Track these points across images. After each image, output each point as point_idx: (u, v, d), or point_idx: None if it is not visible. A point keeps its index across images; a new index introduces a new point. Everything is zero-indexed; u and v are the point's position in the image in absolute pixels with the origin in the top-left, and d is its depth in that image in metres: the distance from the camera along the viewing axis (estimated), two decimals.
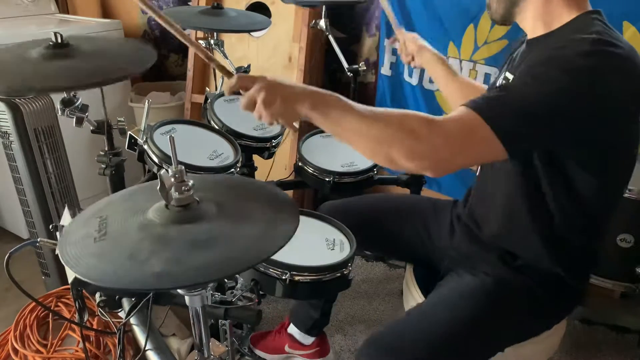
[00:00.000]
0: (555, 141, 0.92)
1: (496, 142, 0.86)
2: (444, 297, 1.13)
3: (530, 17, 1.03)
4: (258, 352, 1.65)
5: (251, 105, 0.93)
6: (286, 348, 1.61)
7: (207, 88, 1.70)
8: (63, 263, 0.66)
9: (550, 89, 0.86)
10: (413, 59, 1.44)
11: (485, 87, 1.36)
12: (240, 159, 1.35)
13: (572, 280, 1.09)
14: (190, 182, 0.72)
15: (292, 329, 1.59)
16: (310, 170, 1.47)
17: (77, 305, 1.05)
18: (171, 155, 0.74)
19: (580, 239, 1.05)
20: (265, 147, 1.50)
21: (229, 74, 0.99)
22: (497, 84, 1.16)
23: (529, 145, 0.93)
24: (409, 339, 1.04)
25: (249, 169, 1.62)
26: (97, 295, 1.04)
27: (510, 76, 1.10)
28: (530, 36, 1.05)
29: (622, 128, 0.94)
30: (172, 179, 0.70)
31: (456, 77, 1.40)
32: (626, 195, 1.58)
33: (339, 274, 1.08)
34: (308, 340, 1.59)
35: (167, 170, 0.71)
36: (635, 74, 0.90)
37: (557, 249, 1.05)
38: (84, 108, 1.25)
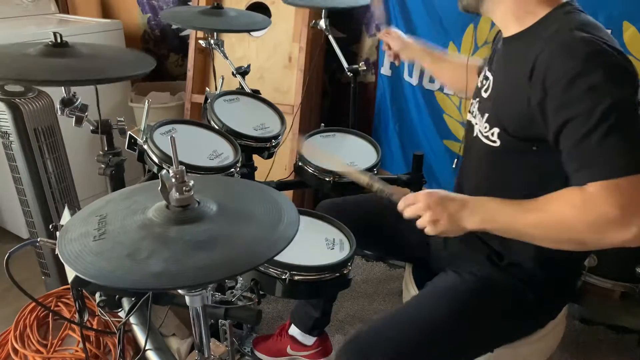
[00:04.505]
0: None
1: None
2: (424, 297, 1.14)
3: (501, 12, 1.01)
4: (260, 356, 1.65)
5: (416, 216, 0.99)
6: (288, 350, 1.61)
7: (207, 88, 1.69)
8: (62, 260, 0.66)
9: (610, 102, 0.81)
10: (398, 56, 1.53)
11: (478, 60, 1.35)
12: (240, 159, 1.34)
13: (560, 279, 1.08)
14: (191, 183, 0.72)
15: (293, 330, 1.59)
16: (310, 170, 1.46)
17: (77, 305, 1.05)
18: (171, 155, 0.74)
19: None
20: (265, 147, 1.50)
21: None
22: (479, 84, 1.15)
23: None
24: (386, 338, 1.04)
25: (249, 169, 1.62)
26: (97, 295, 1.04)
27: (489, 75, 1.09)
28: (505, 34, 1.05)
29: None
30: (173, 180, 0.70)
31: (445, 59, 1.45)
32: None
33: (338, 274, 1.07)
34: (309, 340, 1.59)
35: (167, 171, 0.71)
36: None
37: (542, 248, 1.04)
38: (84, 108, 1.25)
